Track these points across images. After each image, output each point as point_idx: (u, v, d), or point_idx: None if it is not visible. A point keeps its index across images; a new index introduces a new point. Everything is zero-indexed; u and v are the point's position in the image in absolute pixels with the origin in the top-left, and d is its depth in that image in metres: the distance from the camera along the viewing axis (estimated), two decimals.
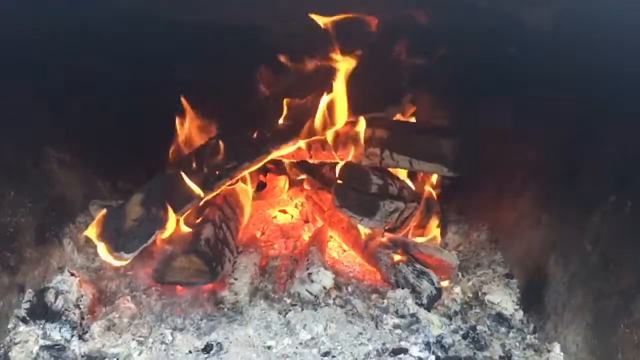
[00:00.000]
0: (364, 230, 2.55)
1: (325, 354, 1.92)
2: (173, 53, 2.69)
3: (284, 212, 3.03)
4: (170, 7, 2.44)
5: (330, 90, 2.54)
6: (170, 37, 2.59)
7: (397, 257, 2.37)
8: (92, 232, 2.23)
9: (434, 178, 2.77)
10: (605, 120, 1.99)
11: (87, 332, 2.02)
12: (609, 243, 1.88)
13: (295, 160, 2.95)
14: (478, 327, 2.10)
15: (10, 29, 2.01)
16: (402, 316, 2.13)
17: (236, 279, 2.28)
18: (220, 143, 2.51)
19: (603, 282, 1.85)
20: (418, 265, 2.32)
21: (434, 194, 2.73)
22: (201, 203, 2.42)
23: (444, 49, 2.64)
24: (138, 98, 2.71)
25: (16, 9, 2.04)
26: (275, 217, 3.00)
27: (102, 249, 2.18)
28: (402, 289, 2.26)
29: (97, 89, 2.58)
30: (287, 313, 2.12)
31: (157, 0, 2.40)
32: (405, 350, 1.93)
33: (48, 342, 1.92)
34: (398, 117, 2.79)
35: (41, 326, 1.97)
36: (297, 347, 1.95)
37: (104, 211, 2.30)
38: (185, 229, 2.34)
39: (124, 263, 2.23)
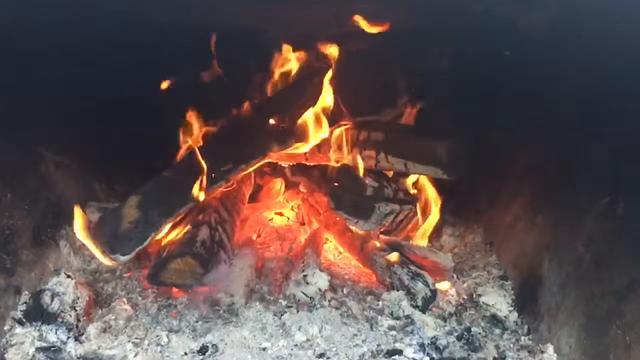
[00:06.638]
0: (359, 232, 2.57)
1: (320, 355, 1.93)
2: (171, 55, 2.70)
3: (280, 214, 3.04)
4: (169, 9, 2.45)
5: (325, 92, 2.55)
6: (168, 39, 2.60)
7: (392, 259, 2.38)
8: (83, 234, 2.24)
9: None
10: (599, 122, 2.00)
11: (83, 334, 2.02)
12: (602, 244, 1.90)
13: (291, 163, 2.97)
14: (472, 329, 2.11)
15: (8, 30, 2.02)
16: (397, 318, 2.15)
17: (232, 281, 2.29)
18: (217, 145, 2.52)
19: (596, 283, 1.87)
20: (413, 267, 2.33)
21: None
22: (197, 205, 2.43)
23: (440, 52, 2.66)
24: (135, 100, 2.72)
25: (15, 10, 2.05)
26: (271, 219, 3.00)
27: (96, 251, 2.19)
28: (397, 290, 2.27)
29: (94, 91, 2.59)
30: (282, 315, 2.12)
31: (156, 1, 2.41)
32: (399, 352, 1.94)
33: (44, 344, 1.93)
34: (394, 119, 2.81)
35: (37, 328, 1.97)
36: (292, 349, 1.96)
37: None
38: (181, 231, 2.35)
39: (119, 265, 2.24)
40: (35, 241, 2.27)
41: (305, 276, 2.27)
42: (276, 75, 2.85)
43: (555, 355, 1.95)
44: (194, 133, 2.69)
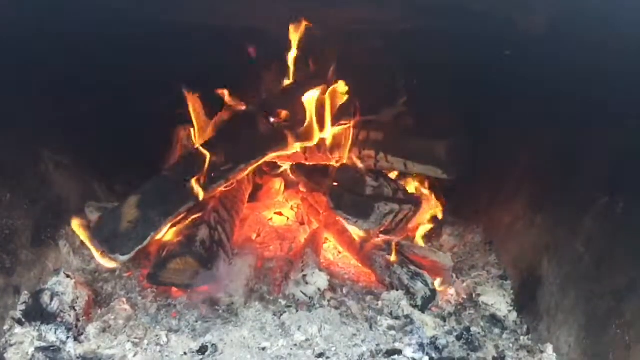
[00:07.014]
0: (358, 232, 2.56)
1: (320, 355, 1.93)
2: (171, 55, 2.70)
3: (280, 214, 3.04)
4: (169, 9, 2.45)
5: (325, 92, 2.55)
6: (168, 39, 2.60)
7: (391, 259, 2.38)
8: (84, 234, 2.24)
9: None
10: (599, 122, 2.00)
11: (82, 333, 2.03)
12: (601, 244, 1.90)
13: (291, 163, 2.97)
14: (472, 329, 2.11)
15: (9, 30, 2.02)
16: (397, 317, 2.15)
17: (231, 281, 2.29)
18: (216, 145, 2.52)
19: (595, 283, 1.87)
20: (412, 267, 2.33)
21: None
22: (197, 205, 2.43)
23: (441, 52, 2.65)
24: (135, 100, 2.72)
25: (16, 10, 2.05)
26: (270, 219, 3.00)
27: (94, 251, 2.19)
28: (397, 290, 2.27)
29: (94, 91, 2.59)
30: (282, 314, 2.13)
31: (155, 2, 2.41)
32: (399, 352, 1.94)
33: (43, 344, 1.93)
34: (393, 119, 2.81)
35: (37, 328, 1.98)
36: (291, 349, 1.96)
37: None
38: (181, 231, 2.35)
39: (119, 265, 2.24)
40: (35, 241, 2.27)
41: (304, 276, 2.27)
42: (276, 74, 2.85)
43: (554, 354, 1.95)
44: (194, 132, 2.69)
